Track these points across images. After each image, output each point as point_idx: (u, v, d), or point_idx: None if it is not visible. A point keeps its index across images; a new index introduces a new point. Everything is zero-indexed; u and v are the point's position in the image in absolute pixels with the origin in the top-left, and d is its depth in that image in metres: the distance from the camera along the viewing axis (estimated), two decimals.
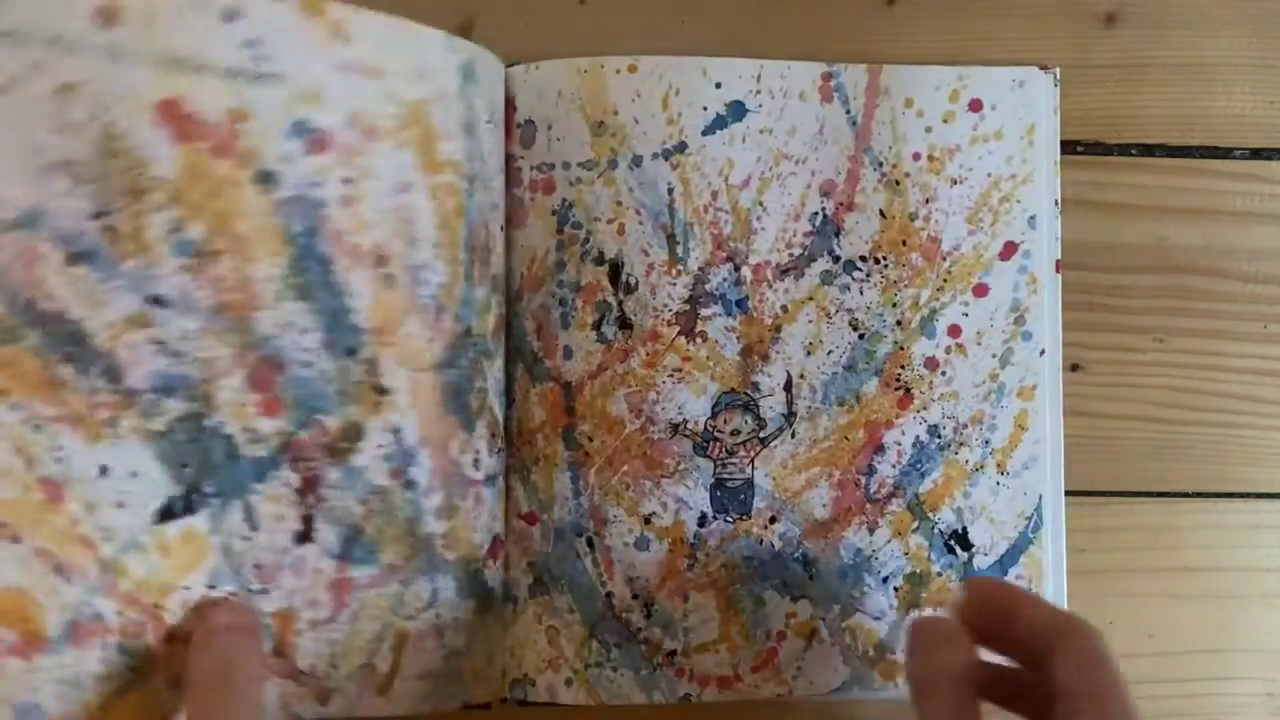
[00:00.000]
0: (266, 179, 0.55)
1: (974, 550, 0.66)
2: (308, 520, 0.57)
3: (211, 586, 0.56)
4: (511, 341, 0.65)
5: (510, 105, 0.65)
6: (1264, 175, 0.69)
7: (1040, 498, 0.66)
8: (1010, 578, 0.66)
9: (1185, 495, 0.69)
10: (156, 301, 0.54)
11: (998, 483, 0.66)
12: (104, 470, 0.54)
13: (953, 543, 0.66)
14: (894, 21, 0.69)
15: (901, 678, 0.65)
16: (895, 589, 0.66)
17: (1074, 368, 0.68)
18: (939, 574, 0.66)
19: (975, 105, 0.66)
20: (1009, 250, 0.66)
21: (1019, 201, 0.66)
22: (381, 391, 0.58)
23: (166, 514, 0.55)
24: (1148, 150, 0.69)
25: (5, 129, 0.52)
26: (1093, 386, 0.69)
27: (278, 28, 0.55)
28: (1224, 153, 0.69)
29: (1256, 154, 0.69)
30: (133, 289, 0.54)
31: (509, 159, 0.65)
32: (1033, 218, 0.66)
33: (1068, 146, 0.68)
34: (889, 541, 0.66)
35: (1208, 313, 0.69)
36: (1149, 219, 0.69)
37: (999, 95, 0.66)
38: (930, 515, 0.66)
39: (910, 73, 0.66)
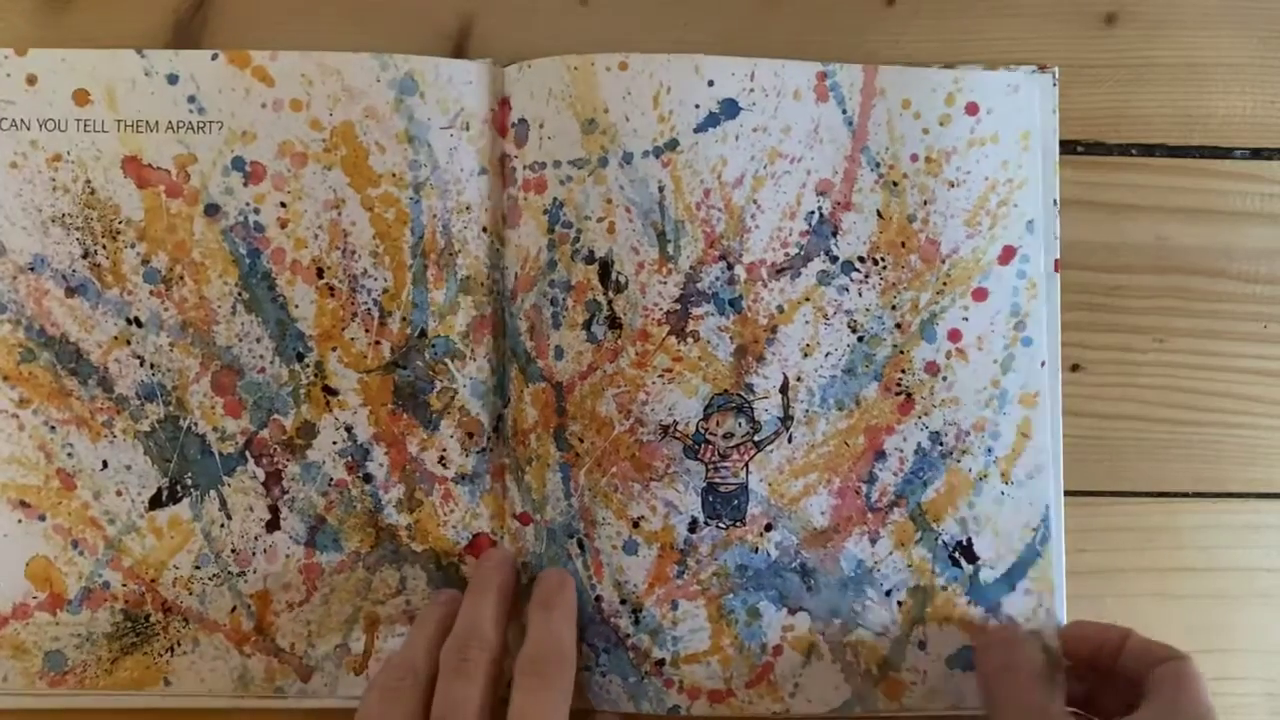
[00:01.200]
0: (213, 211, 0.61)
1: (980, 563, 0.62)
2: (274, 510, 0.62)
3: (197, 568, 0.62)
4: (507, 341, 0.62)
5: (505, 105, 0.62)
6: (1264, 175, 0.66)
7: (1047, 508, 0.62)
8: (1019, 593, 0.62)
9: (1185, 495, 0.66)
10: (134, 322, 0.61)
11: (1002, 493, 0.62)
12: (105, 464, 0.62)
13: (957, 555, 0.62)
14: (893, 22, 0.66)
15: (907, 698, 0.62)
16: (899, 603, 0.62)
17: (1074, 368, 0.65)
18: (943, 588, 0.62)
19: (971, 109, 0.62)
20: (1007, 254, 0.62)
21: (1016, 205, 0.63)
22: (331, 392, 0.62)
23: (156, 502, 0.62)
24: (1148, 150, 0.66)
25: (15, 195, 0.61)
26: (1093, 386, 0.66)
27: (211, 83, 0.61)
28: (1224, 153, 0.66)
29: (1256, 154, 0.66)
30: (116, 313, 0.61)
31: (504, 159, 0.62)
32: (1030, 222, 0.63)
33: (1068, 146, 0.65)
34: (891, 553, 0.62)
35: (1208, 313, 0.66)
36: (1149, 219, 0.66)
37: (994, 99, 0.63)
38: (934, 526, 0.62)
39: (906, 74, 0.62)
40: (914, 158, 0.62)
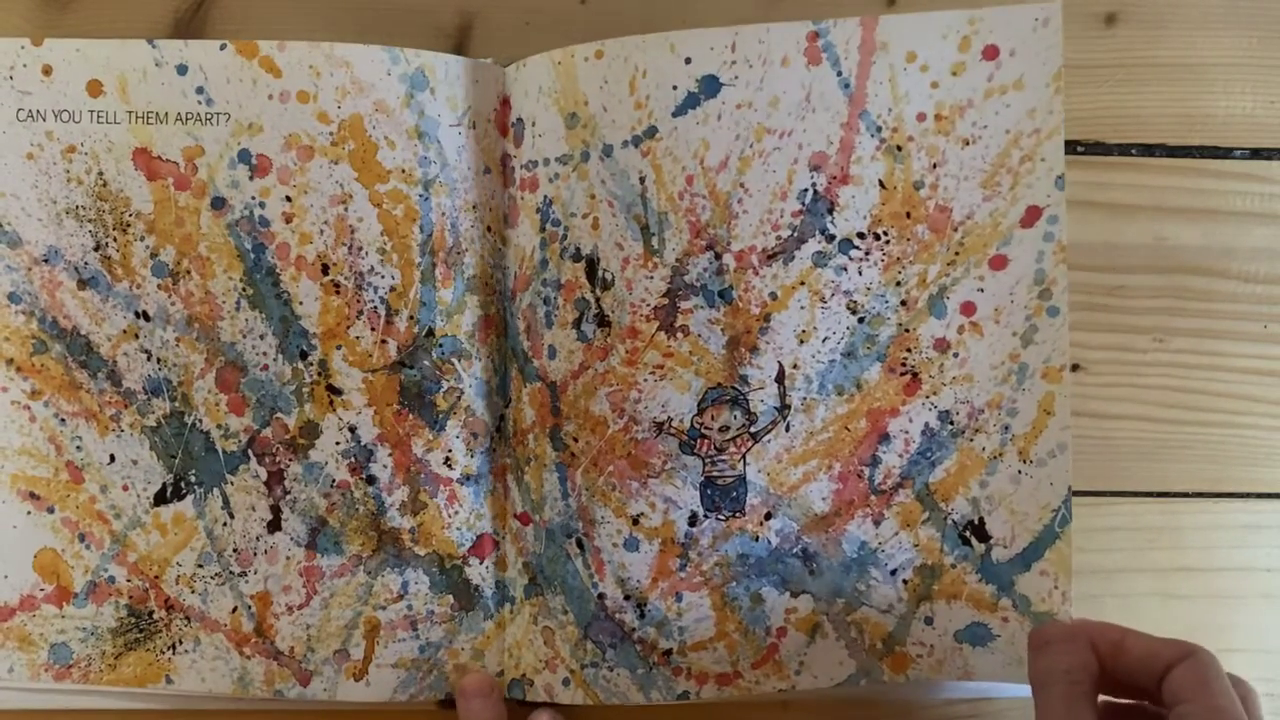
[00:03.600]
0: (219, 204, 0.62)
1: (992, 542, 0.61)
2: (276, 510, 0.62)
3: (200, 566, 0.62)
4: (508, 341, 0.62)
5: (506, 104, 0.62)
6: (1264, 175, 0.67)
7: (1069, 489, 0.60)
8: (1034, 573, 0.60)
9: (1185, 495, 0.66)
10: (142, 316, 0.62)
11: (1019, 471, 0.60)
12: (112, 458, 0.62)
13: (968, 534, 0.61)
14: None
15: (913, 670, 0.62)
16: (905, 581, 0.61)
17: (1074, 368, 0.65)
18: (953, 566, 0.61)
19: (990, 52, 0.59)
20: (1032, 215, 0.59)
21: (1043, 160, 0.59)
22: (334, 391, 0.62)
23: (161, 498, 0.62)
24: (1148, 150, 0.66)
25: (31, 187, 0.62)
26: (1093, 386, 0.66)
27: (219, 73, 0.61)
28: (1224, 153, 0.67)
29: (1256, 154, 0.67)
30: (125, 306, 0.62)
31: (505, 158, 0.63)
32: (1060, 178, 0.59)
33: (1068, 146, 0.63)
34: (896, 533, 0.61)
35: (1208, 313, 0.66)
36: (1149, 219, 0.66)
37: (1018, 38, 0.59)
38: (942, 505, 0.61)
39: (911, 21, 0.59)
40: (920, 117, 0.59)
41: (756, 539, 0.61)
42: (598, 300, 0.60)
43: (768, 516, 0.61)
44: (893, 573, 0.61)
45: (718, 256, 0.60)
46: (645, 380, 0.60)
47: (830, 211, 0.60)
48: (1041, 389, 0.60)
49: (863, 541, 0.61)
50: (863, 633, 0.61)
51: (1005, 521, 0.61)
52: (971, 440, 0.61)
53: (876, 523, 0.61)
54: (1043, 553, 0.61)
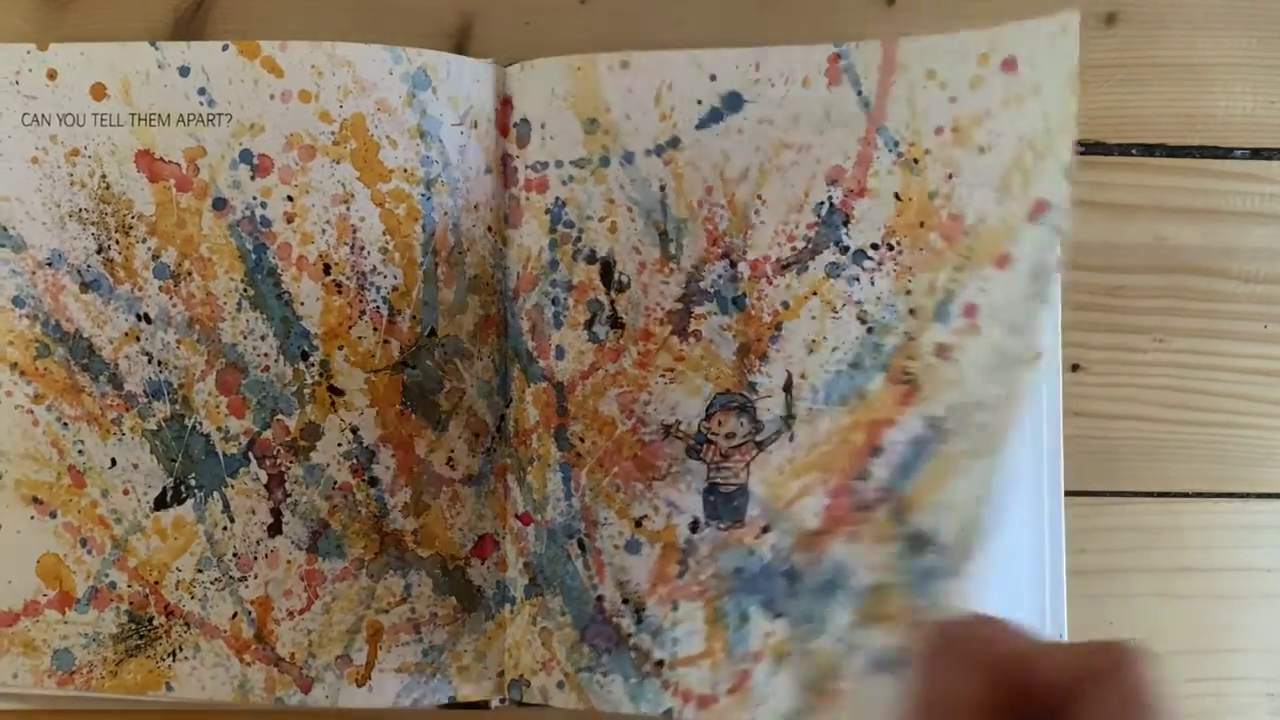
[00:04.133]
0: (221, 205, 0.62)
1: (930, 549, 0.58)
2: (277, 513, 0.62)
3: (200, 571, 0.62)
4: (508, 341, 0.63)
5: (507, 104, 0.63)
6: (1264, 175, 0.67)
7: (997, 477, 0.57)
8: (961, 579, 0.57)
9: (1185, 495, 0.66)
10: (144, 318, 0.62)
11: (972, 465, 0.58)
12: (113, 462, 0.62)
13: (916, 544, 0.58)
14: (893, 22, 0.66)
15: (843, 708, 0.58)
16: (857, 605, 0.59)
17: (1074, 368, 0.66)
18: (900, 584, 0.58)
19: (1009, 64, 0.59)
20: (1039, 209, 0.58)
21: (1054, 154, 0.58)
22: (336, 392, 0.62)
23: (161, 502, 0.62)
24: (1148, 150, 0.67)
25: (35, 190, 0.62)
26: (1093, 386, 0.66)
27: (221, 74, 0.61)
28: (1224, 153, 0.67)
29: (1256, 154, 0.67)
30: (127, 309, 0.62)
31: (505, 158, 0.63)
32: (1067, 167, 0.58)
33: None
34: (864, 551, 0.59)
35: (1208, 313, 0.66)
36: (1149, 219, 0.66)
37: (1035, 49, 0.58)
38: (908, 519, 0.58)
39: (933, 42, 0.59)
40: (939, 130, 0.60)
41: (752, 553, 0.60)
42: (612, 302, 0.61)
43: (765, 530, 0.60)
44: (851, 595, 0.59)
45: (733, 264, 0.61)
46: (656, 383, 0.61)
47: (845, 224, 0.61)
48: (1018, 377, 0.58)
49: (839, 562, 0.59)
50: (813, 664, 0.59)
51: (948, 524, 0.58)
52: (949, 444, 0.59)
53: (854, 540, 0.59)
54: (970, 551, 0.57)
